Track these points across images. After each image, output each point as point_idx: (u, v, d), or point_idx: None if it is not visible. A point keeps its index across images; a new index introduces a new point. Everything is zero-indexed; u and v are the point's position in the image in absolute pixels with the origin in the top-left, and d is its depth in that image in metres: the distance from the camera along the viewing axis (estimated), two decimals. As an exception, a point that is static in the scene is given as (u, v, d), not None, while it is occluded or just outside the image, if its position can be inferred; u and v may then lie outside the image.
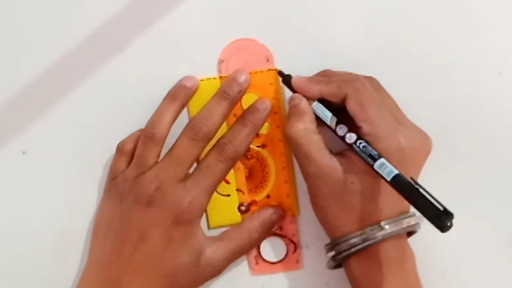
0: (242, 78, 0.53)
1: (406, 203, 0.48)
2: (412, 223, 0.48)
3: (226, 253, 0.51)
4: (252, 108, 0.53)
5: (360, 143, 0.47)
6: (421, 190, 0.44)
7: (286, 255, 0.54)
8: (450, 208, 0.52)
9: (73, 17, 0.55)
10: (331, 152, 0.50)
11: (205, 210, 0.52)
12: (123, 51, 0.54)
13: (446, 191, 0.51)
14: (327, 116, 0.50)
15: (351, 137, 0.48)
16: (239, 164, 0.54)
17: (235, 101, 0.53)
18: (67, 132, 0.54)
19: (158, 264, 0.49)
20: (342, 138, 0.49)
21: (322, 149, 0.49)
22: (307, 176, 0.50)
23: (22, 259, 0.54)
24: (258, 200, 0.54)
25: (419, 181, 0.45)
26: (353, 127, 0.49)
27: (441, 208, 0.43)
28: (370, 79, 0.51)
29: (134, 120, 0.53)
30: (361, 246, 0.48)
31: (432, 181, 0.50)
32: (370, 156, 0.47)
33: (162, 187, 0.49)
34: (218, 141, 0.52)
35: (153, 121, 0.52)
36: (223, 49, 0.54)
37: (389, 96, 0.51)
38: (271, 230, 0.54)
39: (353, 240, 0.48)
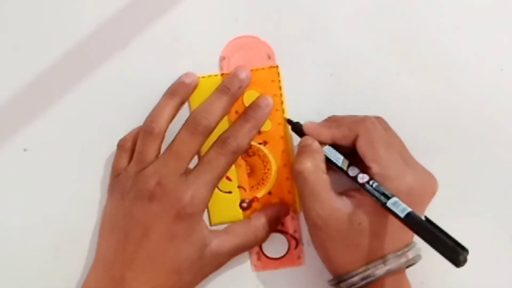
0: (243, 74, 0.53)
1: (408, 237, 0.49)
2: (411, 256, 0.48)
3: (231, 248, 0.51)
4: (254, 104, 0.53)
5: (373, 182, 0.48)
6: (433, 227, 0.45)
7: (288, 251, 0.55)
8: (451, 205, 0.53)
9: (74, 14, 0.54)
10: (336, 194, 0.50)
11: (207, 207, 0.52)
12: (124, 48, 0.54)
13: (447, 188, 0.52)
14: (339, 158, 0.50)
15: (363, 177, 0.48)
16: (241, 161, 0.54)
17: (236, 96, 0.53)
18: (69, 129, 0.54)
19: (162, 260, 0.49)
20: (354, 178, 0.49)
21: (329, 189, 0.49)
22: (312, 219, 0.49)
23: (23, 256, 0.54)
24: (260, 197, 0.54)
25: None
26: (362, 169, 0.49)
27: (455, 244, 0.44)
28: (379, 119, 0.51)
29: (136, 117, 0.53)
30: (365, 282, 0.48)
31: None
32: (384, 194, 0.47)
33: (163, 182, 0.49)
34: (220, 136, 0.52)
35: (152, 116, 0.52)
36: (224, 46, 0.54)
37: (396, 135, 0.52)
38: (276, 227, 0.54)
39: (357, 277, 0.48)
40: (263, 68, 0.54)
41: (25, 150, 0.54)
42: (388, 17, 0.55)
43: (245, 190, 0.54)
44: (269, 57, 0.54)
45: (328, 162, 0.51)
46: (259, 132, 0.53)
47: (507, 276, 0.54)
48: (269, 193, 0.54)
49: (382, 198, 0.47)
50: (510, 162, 0.55)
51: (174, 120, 0.52)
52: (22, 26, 0.54)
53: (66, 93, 0.54)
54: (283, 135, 0.54)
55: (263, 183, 0.54)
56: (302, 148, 0.51)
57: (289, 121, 0.53)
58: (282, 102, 0.54)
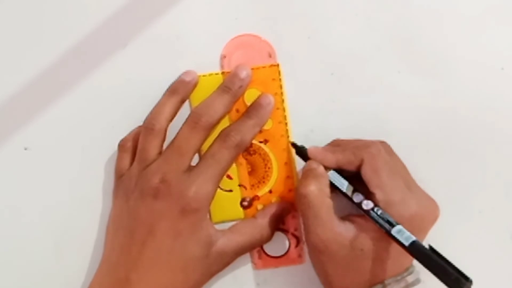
0: (244, 73, 0.53)
1: (408, 261, 0.49)
2: (410, 281, 0.48)
3: (236, 247, 0.51)
4: (255, 103, 0.53)
5: (377, 209, 0.48)
6: (437, 256, 0.45)
7: (288, 249, 0.55)
8: (452, 203, 0.53)
9: (75, 12, 0.54)
10: (339, 218, 0.50)
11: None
12: (125, 47, 0.54)
13: (449, 186, 0.52)
14: (343, 184, 0.50)
15: (368, 204, 0.48)
16: (241, 160, 0.54)
17: (237, 95, 0.53)
18: (69, 128, 0.54)
19: (168, 259, 0.49)
20: (358, 204, 0.49)
21: (332, 213, 0.49)
22: (314, 242, 0.49)
23: (24, 256, 0.54)
24: (261, 195, 0.54)
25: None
26: (366, 193, 0.49)
27: (459, 274, 0.44)
28: (383, 144, 0.51)
29: (137, 116, 0.53)
30: None
31: (434, 176, 0.51)
32: (388, 222, 0.47)
33: (166, 178, 0.49)
34: (222, 130, 0.52)
35: (153, 114, 0.52)
36: (225, 44, 0.54)
37: (400, 161, 0.51)
38: (279, 226, 0.54)
39: None
40: (264, 67, 0.54)
41: (25, 149, 0.54)
42: (388, 16, 0.55)
43: (245, 189, 0.54)
44: (270, 56, 0.54)
45: (332, 186, 0.51)
46: (260, 131, 0.53)
47: (507, 276, 0.54)
48: (270, 191, 0.54)
49: (386, 225, 0.47)
50: (510, 160, 0.55)
51: (175, 120, 0.52)
52: (22, 26, 0.54)
53: (66, 91, 0.54)
54: (284, 133, 0.54)
55: (263, 182, 0.54)
56: (307, 172, 0.51)
57: (294, 145, 0.53)
58: (283, 101, 0.54)
